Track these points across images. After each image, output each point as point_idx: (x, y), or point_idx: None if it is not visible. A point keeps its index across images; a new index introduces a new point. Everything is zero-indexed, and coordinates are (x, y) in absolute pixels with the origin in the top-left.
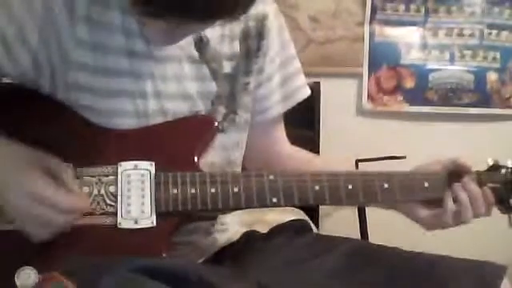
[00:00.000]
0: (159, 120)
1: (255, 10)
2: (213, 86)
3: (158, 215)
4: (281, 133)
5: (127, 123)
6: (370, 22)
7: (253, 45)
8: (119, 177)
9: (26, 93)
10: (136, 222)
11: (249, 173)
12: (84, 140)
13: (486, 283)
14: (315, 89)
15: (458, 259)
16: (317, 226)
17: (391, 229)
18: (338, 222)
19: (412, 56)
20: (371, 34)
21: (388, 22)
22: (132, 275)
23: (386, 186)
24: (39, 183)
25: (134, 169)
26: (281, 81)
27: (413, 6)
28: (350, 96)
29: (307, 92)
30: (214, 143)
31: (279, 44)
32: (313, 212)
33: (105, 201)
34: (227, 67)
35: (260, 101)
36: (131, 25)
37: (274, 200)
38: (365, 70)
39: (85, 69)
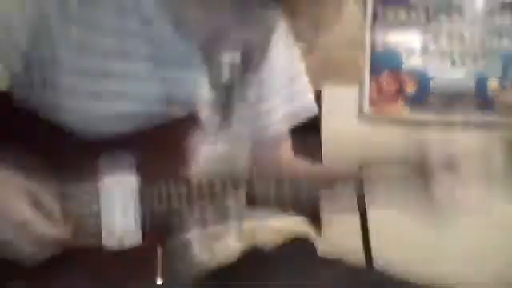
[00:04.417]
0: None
1: None
2: (210, 94)
3: (144, 231)
4: (285, 153)
5: (114, 108)
6: (371, 28)
7: (255, 56)
8: (101, 194)
9: (10, 107)
10: (121, 241)
11: (238, 183)
12: (67, 155)
13: None
14: (316, 95)
15: None
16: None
17: (394, 235)
18: (341, 230)
19: (413, 62)
20: (372, 40)
21: (389, 28)
22: None
23: None
24: (23, 212)
25: (116, 184)
26: (286, 97)
27: (414, 12)
28: (351, 102)
29: (314, 110)
30: (206, 155)
31: (286, 58)
32: (315, 220)
33: (88, 220)
34: (226, 76)
35: (262, 116)
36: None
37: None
38: (366, 76)
39: (72, 47)
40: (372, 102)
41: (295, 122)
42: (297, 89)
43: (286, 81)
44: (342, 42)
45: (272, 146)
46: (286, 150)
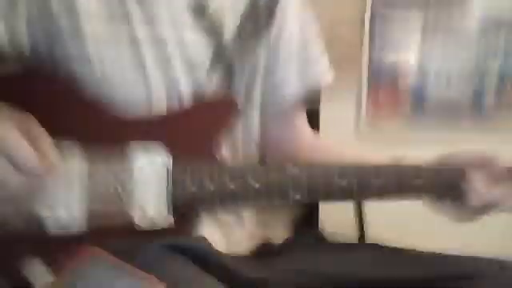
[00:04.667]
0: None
1: None
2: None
3: (175, 214)
4: (302, 122)
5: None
6: (369, 47)
7: (261, 22)
8: (134, 173)
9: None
10: (153, 223)
11: (270, 167)
12: (93, 131)
13: None
14: (314, 114)
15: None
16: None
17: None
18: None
19: (409, 80)
20: (370, 59)
21: (385, 46)
22: (164, 252)
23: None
24: (8, 134)
25: (149, 164)
26: (299, 65)
27: (411, 27)
28: (348, 120)
29: (328, 78)
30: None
31: (298, 24)
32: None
33: (120, 196)
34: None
35: (277, 87)
36: None
37: (297, 197)
38: (363, 94)
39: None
40: (368, 120)
41: (309, 91)
42: (310, 56)
43: (297, 48)
44: (337, 60)
45: (287, 118)
46: (302, 122)
